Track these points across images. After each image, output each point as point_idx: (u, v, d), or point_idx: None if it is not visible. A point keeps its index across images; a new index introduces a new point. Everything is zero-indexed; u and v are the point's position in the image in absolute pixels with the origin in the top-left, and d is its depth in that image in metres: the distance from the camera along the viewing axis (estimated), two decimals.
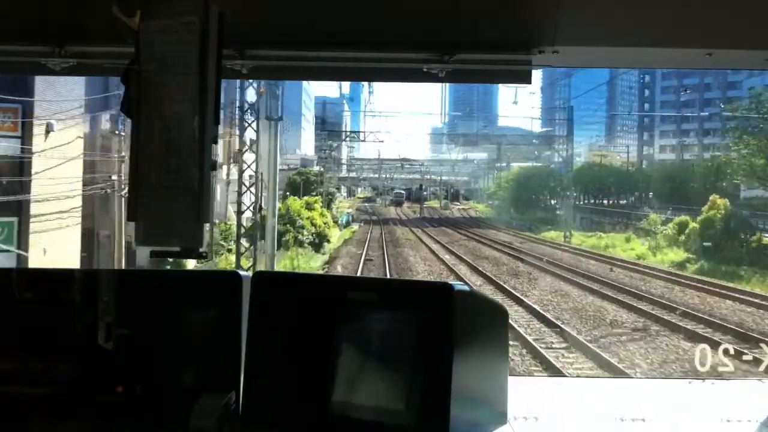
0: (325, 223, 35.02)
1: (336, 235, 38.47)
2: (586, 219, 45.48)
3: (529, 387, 2.47)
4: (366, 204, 66.54)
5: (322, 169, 51.76)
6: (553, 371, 12.17)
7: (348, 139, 59.58)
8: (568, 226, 39.19)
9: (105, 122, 22.24)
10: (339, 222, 44.12)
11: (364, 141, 54.97)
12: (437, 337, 1.61)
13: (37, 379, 1.83)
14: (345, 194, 67.84)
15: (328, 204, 45.56)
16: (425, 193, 68.25)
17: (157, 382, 1.81)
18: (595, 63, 2.52)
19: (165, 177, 1.58)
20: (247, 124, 24.28)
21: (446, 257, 29.23)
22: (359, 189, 73.57)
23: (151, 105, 1.59)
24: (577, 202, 49.71)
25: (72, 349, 1.85)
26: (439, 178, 69.36)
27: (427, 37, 2.06)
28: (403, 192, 69.02)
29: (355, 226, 45.87)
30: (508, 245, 34.21)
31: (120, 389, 1.80)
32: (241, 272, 1.86)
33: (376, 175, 66.47)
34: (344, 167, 65.55)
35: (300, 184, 43.32)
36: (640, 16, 1.94)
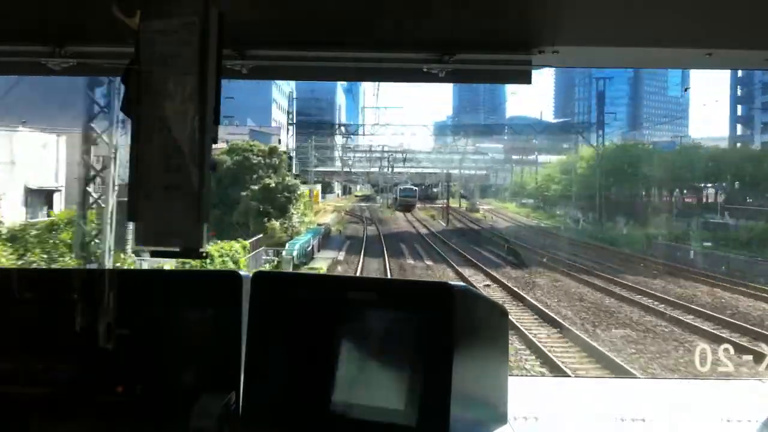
0: None
1: None
2: None
3: (529, 387, 2.47)
4: (362, 204, 52.01)
5: (278, 144, 32.24)
6: None
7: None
8: None
9: None
10: (284, 253, 22.65)
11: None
12: (437, 337, 1.61)
13: (37, 379, 1.83)
14: (339, 192, 62.78)
15: (279, 209, 25.17)
16: (436, 189, 53.57)
17: (157, 382, 1.81)
18: (595, 63, 2.52)
19: (165, 177, 1.58)
20: None
21: None
22: (357, 186, 65.95)
23: (151, 105, 1.58)
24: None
25: (72, 349, 1.85)
26: (458, 171, 57.29)
27: (427, 37, 2.06)
28: (414, 188, 50.95)
29: (322, 264, 22.30)
30: None
31: (120, 389, 1.80)
32: (241, 272, 1.86)
33: (376, 169, 54.04)
34: (338, 160, 55.29)
35: (227, 170, 22.76)
36: (640, 16, 1.94)
